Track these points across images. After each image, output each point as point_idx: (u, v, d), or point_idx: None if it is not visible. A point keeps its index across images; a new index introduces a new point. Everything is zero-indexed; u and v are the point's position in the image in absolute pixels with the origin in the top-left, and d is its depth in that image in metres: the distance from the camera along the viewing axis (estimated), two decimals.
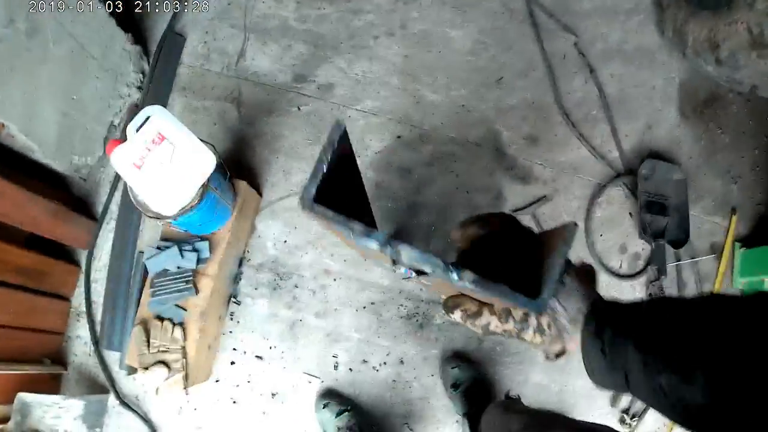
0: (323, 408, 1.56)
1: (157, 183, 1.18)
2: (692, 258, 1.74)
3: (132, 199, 1.26)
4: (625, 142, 1.78)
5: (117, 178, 1.66)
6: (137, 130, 1.18)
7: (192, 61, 1.71)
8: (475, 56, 1.76)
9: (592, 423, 0.86)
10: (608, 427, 0.83)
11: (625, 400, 1.68)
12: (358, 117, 1.70)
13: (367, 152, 1.69)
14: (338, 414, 1.53)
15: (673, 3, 1.78)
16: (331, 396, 1.60)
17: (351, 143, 0.62)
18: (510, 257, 0.62)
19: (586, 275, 0.60)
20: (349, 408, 1.55)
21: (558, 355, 0.62)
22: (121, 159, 1.16)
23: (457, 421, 1.61)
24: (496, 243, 0.63)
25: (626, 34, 1.85)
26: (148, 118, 1.19)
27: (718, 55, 1.67)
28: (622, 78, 1.81)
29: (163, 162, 1.17)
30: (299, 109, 1.70)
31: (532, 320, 0.60)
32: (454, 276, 0.50)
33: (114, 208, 1.66)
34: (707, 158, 1.82)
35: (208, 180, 1.26)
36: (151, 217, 1.27)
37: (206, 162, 1.24)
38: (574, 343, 0.58)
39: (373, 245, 0.50)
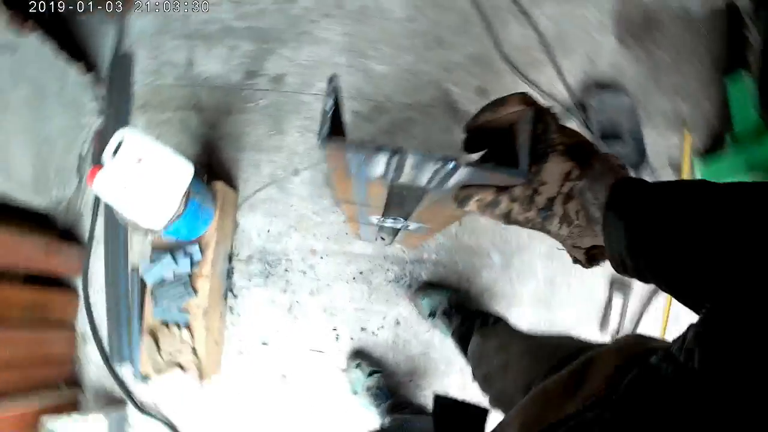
0: (356, 367, 1.85)
1: (141, 201, 1.42)
2: (652, 174, 2.04)
3: (120, 219, 1.53)
4: (570, 78, 2.07)
5: (97, 202, 1.92)
6: (114, 155, 1.42)
7: (144, 78, 1.97)
8: (413, 22, 2.03)
9: (558, 337, 1.05)
10: (571, 339, 1.00)
11: (614, 324, 1.98)
12: (312, 101, 1.98)
13: None
14: (370, 374, 1.83)
15: None
16: (362, 356, 1.90)
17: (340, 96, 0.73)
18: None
19: (617, 162, 0.58)
20: (380, 370, 1.85)
21: (591, 258, 0.61)
22: (103, 185, 1.39)
23: (462, 369, 1.92)
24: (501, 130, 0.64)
25: None
26: (120, 142, 1.42)
27: None
28: (557, 17, 2.10)
29: (143, 180, 1.41)
30: (256, 103, 1.97)
31: (558, 208, 0.58)
32: (450, 165, 0.59)
33: (99, 231, 1.93)
34: (652, 79, 2.11)
35: (189, 187, 1.52)
36: (141, 233, 1.54)
37: (184, 171, 1.50)
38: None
39: (382, 160, 0.63)
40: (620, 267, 0.55)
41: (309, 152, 1.96)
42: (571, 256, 0.62)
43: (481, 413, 0.62)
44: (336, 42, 2.01)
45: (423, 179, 0.68)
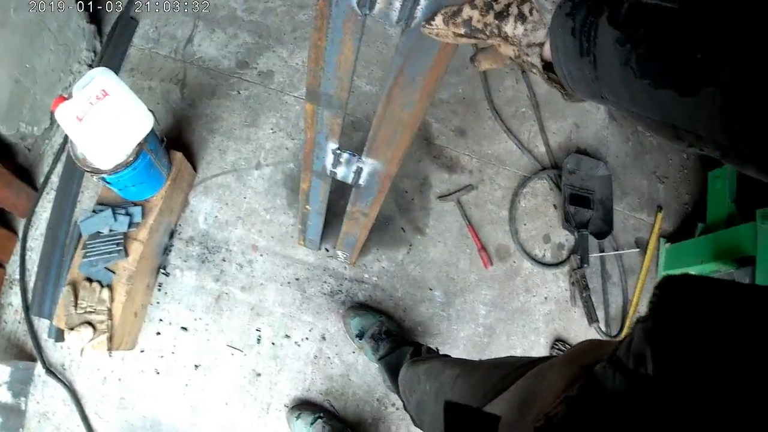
0: (297, 419, 1.83)
1: (96, 136, 1.51)
2: (616, 251, 2.07)
3: (72, 153, 1.60)
4: (552, 139, 2.15)
5: (60, 150, 2.02)
6: (83, 89, 1.52)
7: (142, 43, 2.11)
8: None
9: (495, 359, 1.04)
10: (510, 357, 1.00)
11: None
12: (294, 103, 2.08)
13: (301, 136, 2.05)
14: (312, 422, 1.80)
15: None
16: (301, 407, 1.88)
17: None
18: None
19: None
20: (321, 415, 1.83)
21: (548, 68, 0.65)
22: (64, 113, 1.48)
23: (380, 399, 1.90)
24: None
25: None
26: (93, 78, 1.53)
27: None
28: None
29: (104, 117, 1.50)
30: (239, 93, 2.08)
31: (513, 8, 0.64)
32: None
33: (55, 179, 2.01)
34: (634, 158, 2.18)
35: (145, 140, 1.60)
36: (88, 172, 1.60)
37: (145, 121, 1.59)
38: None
39: None
40: (565, 73, 0.59)
41: (276, 150, 2.05)
42: (526, 63, 0.67)
43: (493, 420, 0.62)
44: None
45: (396, 5, 0.74)
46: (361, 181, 1.34)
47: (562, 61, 0.59)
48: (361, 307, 1.93)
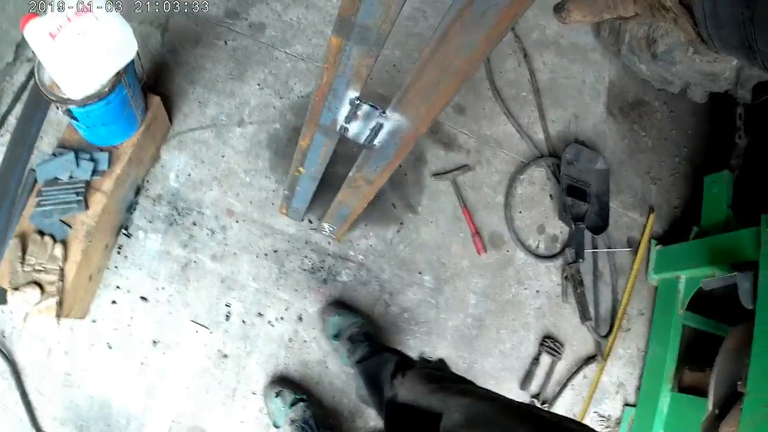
0: (276, 396, 1.66)
1: (70, 58, 1.30)
2: (609, 248, 2.03)
3: (37, 80, 1.40)
4: (551, 127, 2.10)
5: (21, 89, 1.80)
6: (59, 8, 1.30)
7: None
8: (413, 22, 2.07)
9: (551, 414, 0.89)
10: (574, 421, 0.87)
11: (536, 384, 1.89)
12: (285, 59, 1.95)
13: (290, 95, 1.92)
14: (292, 404, 1.64)
15: None
16: (283, 383, 1.72)
17: None
18: None
19: None
20: (304, 397, 1.66)
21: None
22: (35, 29, 1.27)
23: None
24: None
25: (562, 30, 2.21)
26: None
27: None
28: (555, 68, 2.16)
29: (82, 35, 1.29)
30: (226, 43, 1.93)
31: None
32: None
33: (12, 121, 1.79)
34: (629, 156, 2.16)
35: (125, 70, 1.41)
36: (54, 101, 1.40)
37: (128, 47, 1.39)
38: None
39: None
40: (707, 12, 0.50)
41: (262, 108, 1.91)
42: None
43: (434, 418, 0.52)
44: (330, 13, 2.02)
45: None
46: (377, 142, 1.16)
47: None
48: (343, 306, 1.80)
